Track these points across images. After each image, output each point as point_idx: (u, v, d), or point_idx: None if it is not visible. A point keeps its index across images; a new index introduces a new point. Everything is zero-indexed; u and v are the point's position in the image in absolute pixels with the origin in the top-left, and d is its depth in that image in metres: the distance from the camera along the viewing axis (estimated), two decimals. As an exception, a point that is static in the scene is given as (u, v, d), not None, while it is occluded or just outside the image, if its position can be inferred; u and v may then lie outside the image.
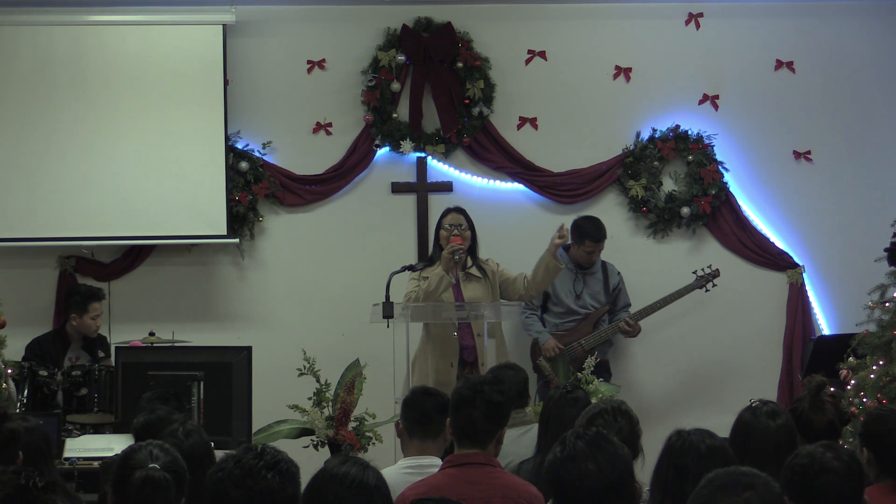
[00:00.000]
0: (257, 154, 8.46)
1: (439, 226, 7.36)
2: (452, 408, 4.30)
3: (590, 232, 8.07)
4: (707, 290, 8.23)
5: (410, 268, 7.29)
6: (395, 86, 8.49)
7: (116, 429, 6.70)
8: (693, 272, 8.21)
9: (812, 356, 7.63)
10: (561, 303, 8.09)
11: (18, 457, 4.15)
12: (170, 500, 3.31)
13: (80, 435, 6.70)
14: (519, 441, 5.21)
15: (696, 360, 8.59)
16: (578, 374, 6.72)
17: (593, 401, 4.65)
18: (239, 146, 8.43)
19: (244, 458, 2.97)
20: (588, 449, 3.17)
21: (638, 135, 8.65)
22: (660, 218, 8.61)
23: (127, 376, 6.60)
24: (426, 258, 7.51)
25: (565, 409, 4.67)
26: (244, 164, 8.39)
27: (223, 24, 8.31)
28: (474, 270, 7.24)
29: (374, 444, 6.66)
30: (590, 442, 3.19)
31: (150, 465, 3.33)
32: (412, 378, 7.10)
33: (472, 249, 7.30)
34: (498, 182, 8.62)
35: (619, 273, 8.25)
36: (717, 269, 8.23)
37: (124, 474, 3.35)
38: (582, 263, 8.14)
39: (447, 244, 7.14)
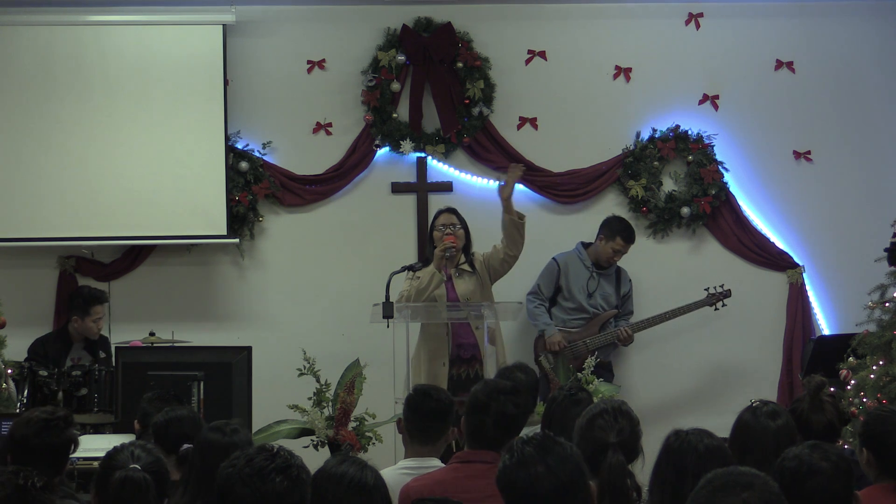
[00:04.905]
0: (257, 154, 8.45)
1: (432, 227, 7.44)
2: (469, 409, 4.32)
3: (625, 230, 8.05)
4: (717, 309, 8.20)
5: (410, 268, 7.32)
6: (395, 86, 8.49)
7: (116, 429, 6.69)
8: (705, 289, 8.16)
9: (812, 356, 7.64)
10: (573, 298, 8.06)
11: (64, 465, 4.15)
12: (149, 501, 3.31)
13: (80, 435, 6.68)
14: (523, 442, 5.20)
15: (696, 360, 8.58)
16: (579, 374, 6.72)
17: (594, 401, 4.64)
18: (239, 146, 8.43)
19: (256, 457, 2.97)
20: (537, 453, 3.17)
21: (638, 135, 8.65)
22: (660, 218, 8.60)
23: (127, 376, 6.60)
24: (423, 258, 7.55)
25: (569, 411, 4.65)
26: (244, 164, 8.38)
27: (223, 24, 8.32)
28: (466, 266, 7.31)
29: (374, 444, 6.66)
30: (538, 446, 3.20)
31: (131, 466, 3.35)
32: (410, 378, 7.12)
33: (466, 247, 7.35)
34: (498, 182, 8.60)
35: (630, 280, 8.22)
36: (729, 290, 8.19)
37: (106, 474, 3.36)
38: (602, 262, 8.08)
39: (441, 244, 7.19)
